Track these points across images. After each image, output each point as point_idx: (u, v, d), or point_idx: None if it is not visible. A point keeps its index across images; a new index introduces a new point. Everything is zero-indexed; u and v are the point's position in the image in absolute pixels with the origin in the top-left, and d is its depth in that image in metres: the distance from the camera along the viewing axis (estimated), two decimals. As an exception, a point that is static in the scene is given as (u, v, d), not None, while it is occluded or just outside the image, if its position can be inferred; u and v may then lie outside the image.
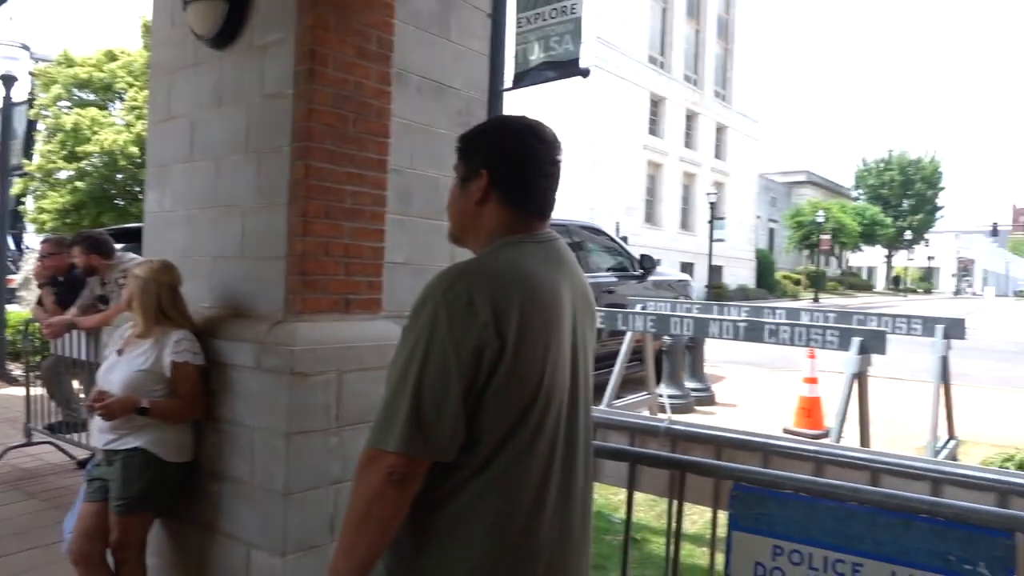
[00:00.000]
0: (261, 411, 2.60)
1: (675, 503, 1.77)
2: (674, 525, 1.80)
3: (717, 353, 10.99)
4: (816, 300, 36.16)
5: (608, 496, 4.29)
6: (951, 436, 5.43)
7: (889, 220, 51.76)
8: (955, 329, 4.86)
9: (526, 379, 1.28)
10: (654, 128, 31.83)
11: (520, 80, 4.24)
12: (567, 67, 4.01)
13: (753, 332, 4.44)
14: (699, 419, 6.94)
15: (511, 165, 1.39)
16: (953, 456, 5.44)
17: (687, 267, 33.10)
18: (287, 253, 2.70)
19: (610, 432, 2.06)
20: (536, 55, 4.14)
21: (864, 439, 4.27)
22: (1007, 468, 5.27)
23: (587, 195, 27.55)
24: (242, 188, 2.86)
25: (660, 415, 2.04)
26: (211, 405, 2.75)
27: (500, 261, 1.34)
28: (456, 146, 1.47)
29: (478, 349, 1.24)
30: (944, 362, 4.86)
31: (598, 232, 8.51)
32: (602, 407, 5.65)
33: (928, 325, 4.95)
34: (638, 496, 4.28)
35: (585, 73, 4.00)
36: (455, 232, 1.50)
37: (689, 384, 7.62)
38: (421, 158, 3.20)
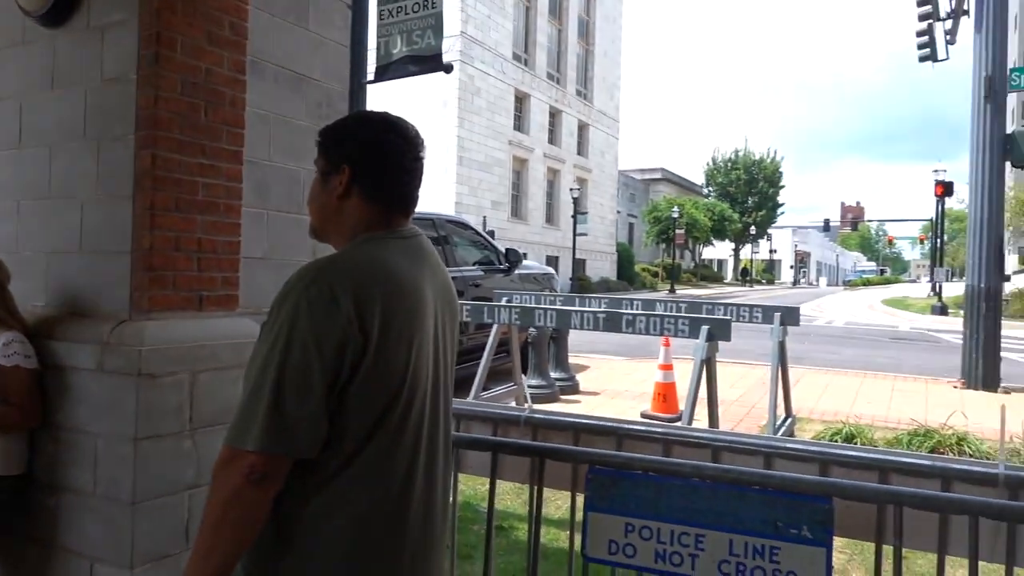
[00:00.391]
0: (105, 416, 2.43)
1: (535, 489, 1.83)
2: (535, 510, 1.86)
3: (581, 343, 11.36)
4: (672, 291, 38.13)
5: (476, 487, 4.36)
6: (788, 414, 5.91)
7: (736, 216, 55.41)
8: (790, 317, 5.30)
9: (389, 374, 1.29)
10: (519, 124, 32.35)
11: (383, 73, 4.20)
12: (429, 61, 4.01)
13: (612, 323, 4.64)
14: (564, 407, 7.16)
15: (373, 161, 1.39)
16: (791, 432, 5.93)
17: (552, 260, 33.94)
18: (133, 248, 2.54)
19: (473, 423, 2.10)
20: (398, 48, 4.11)
21: (713, 420, 4.57)
22: (835, 441, 5.81)
23: (454, 189, 27.62)
24: (80, 178, 2.66)
25: (525, 405, 2.11)
26: (47, 412, 2.55)
27: (362, 256, 1.34)
28: (316, 140, 1.45)
29: (341, 344, 1.23)
30: (782, 347, 5.29)
31: (464, 226, 8.56)
32: (470, 399, 5.71)
33: (767, 313, 5.37)
34: (506, 486, 4.36)
35: (448, 69, 4.01)
36: (316, 227, 1.48)
37: (554, 374, 7.84)
38: (279, 150, 3.10)
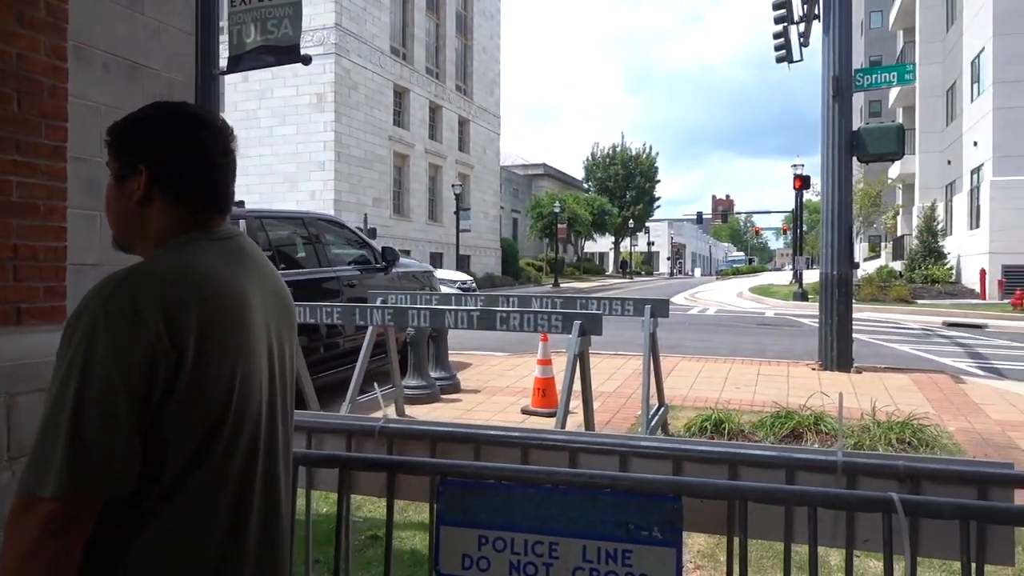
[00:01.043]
0: (-101, 450, 2.13)
1: (390, 504, 1.74)
2: (389, 526, 1.77)
3: (466, 340, 11.31)
4: (556, 285, 38.84)
5: (353, 498, 4.20)
6: (661, 403, 6.08)
7: (616, 210, 57.06)
8: (660, 309, 5.44)
9: (211, 391, 1.16)
10: (399, 119, 31.92)
11: (236, 63, 3.95)
12: (287, 52, 3.81)
13: (486, 320, 4.59)
14: (444, 407, 7.08)
15: (175, 158, 1.23)
16: (664, 421, 6.10)
17: (436, 257, 33.76)
18: (-69, 257, 2.24)
19: (326, 436, 1.97)
20: (252, 37, 3.88)
21: (587, 414, 4.62)
22: (705, 426, 6.03)
23: (333, 186, 26.89)
24: None
25: (381, 414, 2.00)
26: None
27: (170, 263, 1.19)
28: (105, 140, 1.28)
29: (149, 363, 1.09)
30: (653, 338, 5.41)
31: (337, 224, 8.28)
32: (345, 403, 5.52)
33: (638, 306, 5.48)
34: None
35: (306, 61, 3.83)
36: (118, 238, 1.31)
37: (435, 373, 7.74)
38: (113, 145, 2.84)
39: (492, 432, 1.81)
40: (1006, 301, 21.78)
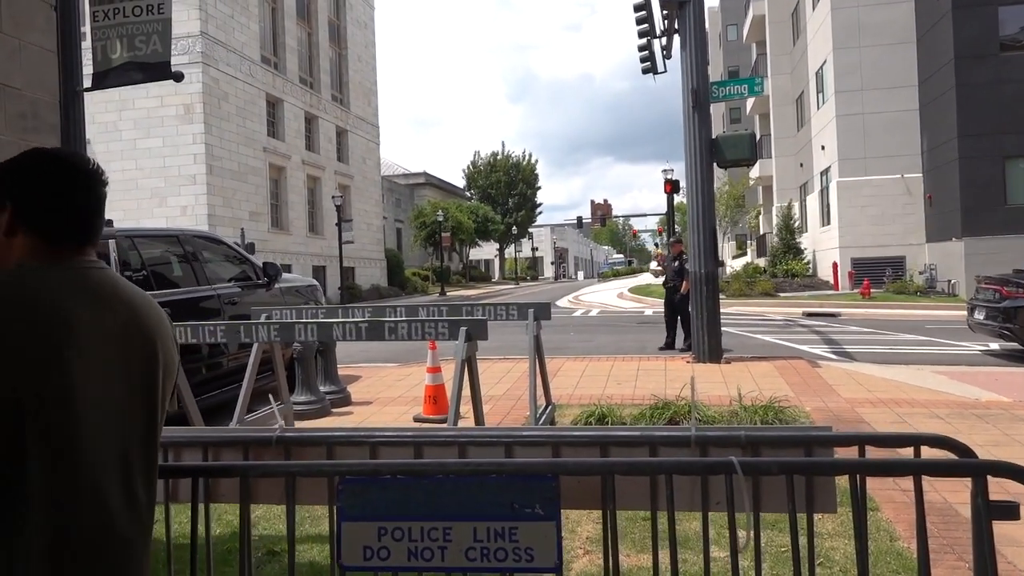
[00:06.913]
0: None
1: (290, 508, 1.82)
2: (291, 529, 1.85)
3: (354, 353, 11.22)
4: (443, 293, 38.91)
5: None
6: (548, 402, 6.34)
7: (498, 217, 57.81)
8: (542, 312, 5.69)
9: None
10: (274, 130, 31.07)
11: (102, 80, 3.85)
12: (156, 69, 3.75)
13: (374, 331, 4.67)
14: (335, 421, 7.06)
15: (37, 197, 1.37)
16: (552, 419, 6.36)
17: (319, 270, 33.05)
18: None
19: (222, 449, 2.03)
20: (119, 54, 3.79)
21: (477, 416, 4.79)
22: (590, 421, 6.34)
23: (206, 201, 25.84)
24: None
25: (276, 425, 2.07)
26: None
27: None
28: None
29: None
30: (537, 340, 5.66)
31: (215, 241, 8.07)
32: (233, 422, 5.42)
33: (522, 310, 5.71)
34: (278, 509, 4.21)
35: (178, 77, 3.79)
36: None
37: (324, 388, 7.68)
38: (-26, 168, 2.74)
39: (386, 434, 1.93)
40: (856, 291, 23.84)
